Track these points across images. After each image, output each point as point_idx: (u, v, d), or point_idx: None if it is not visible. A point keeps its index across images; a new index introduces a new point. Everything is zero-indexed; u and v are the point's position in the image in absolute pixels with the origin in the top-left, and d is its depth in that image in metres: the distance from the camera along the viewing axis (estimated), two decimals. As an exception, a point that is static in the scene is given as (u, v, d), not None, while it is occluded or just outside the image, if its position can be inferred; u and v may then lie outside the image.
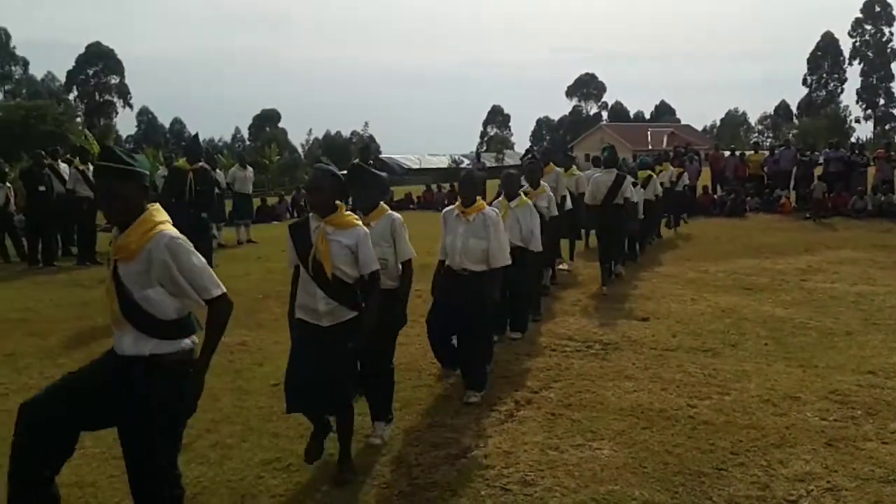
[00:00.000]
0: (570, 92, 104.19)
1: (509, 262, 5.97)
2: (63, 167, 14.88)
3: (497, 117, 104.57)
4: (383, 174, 5.32)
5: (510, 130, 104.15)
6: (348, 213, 4.45)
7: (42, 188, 13.76)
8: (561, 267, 11.23)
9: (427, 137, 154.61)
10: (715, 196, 21.16)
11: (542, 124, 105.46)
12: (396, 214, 5.12)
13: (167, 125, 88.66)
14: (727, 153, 24.02)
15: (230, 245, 16.22)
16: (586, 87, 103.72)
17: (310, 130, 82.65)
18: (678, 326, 8.01)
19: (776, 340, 7.42)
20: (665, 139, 63.37)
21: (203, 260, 3.40)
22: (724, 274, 11.09)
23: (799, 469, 4.56)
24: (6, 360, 7.26)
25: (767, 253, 13.14)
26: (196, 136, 11.01)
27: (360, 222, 4.44)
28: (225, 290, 3.44)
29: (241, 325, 8.49)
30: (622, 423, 5.32)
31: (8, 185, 15.33)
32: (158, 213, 3.41)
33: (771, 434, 5.10)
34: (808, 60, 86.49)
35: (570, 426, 5.31)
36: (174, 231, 3.35)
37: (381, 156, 62.16)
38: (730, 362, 6.73)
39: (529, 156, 12.19)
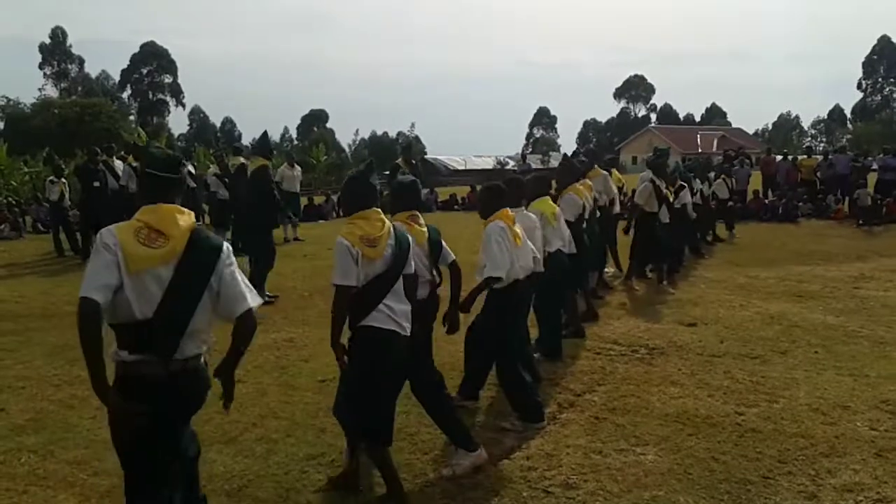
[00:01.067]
0: (619, 94, 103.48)
1: (486, 276, 5.30)
2: (117, 164, 15.23)
3: (543, 119, 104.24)
4: (401, 180, 5.03)
5: (556, 132, 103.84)
6: (356, 219, 4.17)
7: (97, 184, 14.10)
8: (606, 270, 11.20)
9: (473, 139, 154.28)
10: (766, 201, 20.80)
11: (590, 126, 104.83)
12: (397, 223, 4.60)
13: (218, 124, 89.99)
14: (779, 158, 23.60)
15: (277, 243, 16.40)
16: (635, 88, 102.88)
17: (356, 131, 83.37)
18: (726, 332, 7.90)
19: (827, 348, 7.28)
20: (715, 142, 62.60)
21: (92, 261, 3.06)
22: (775, 280, 10.91)
23: (847, 479, 4.48)
24: (59, 351, 7.46)
25: (819, 259, 12.88)
26: (265, 133, 11.09)
27: (348, 231, 4.09)
28: (93, 297, 3.02)
29: (289, 321, 8.64)
30: (667, 429, 5.27)
31: (63, 180, 15.73)
32: (141, 213, 3.20)
33: (820, 443, 5.01)
34: (864, 64, 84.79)
35: (614, 430, 5.27)
36: (104, 230, 3.11)
37: (426, 156, 62.32)
38: (779, 370, 6.62)
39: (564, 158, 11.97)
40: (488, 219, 5.44)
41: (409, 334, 4.25)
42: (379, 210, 4.25)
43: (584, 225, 8.21)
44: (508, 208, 5.55)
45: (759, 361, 6.89)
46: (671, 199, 10.86)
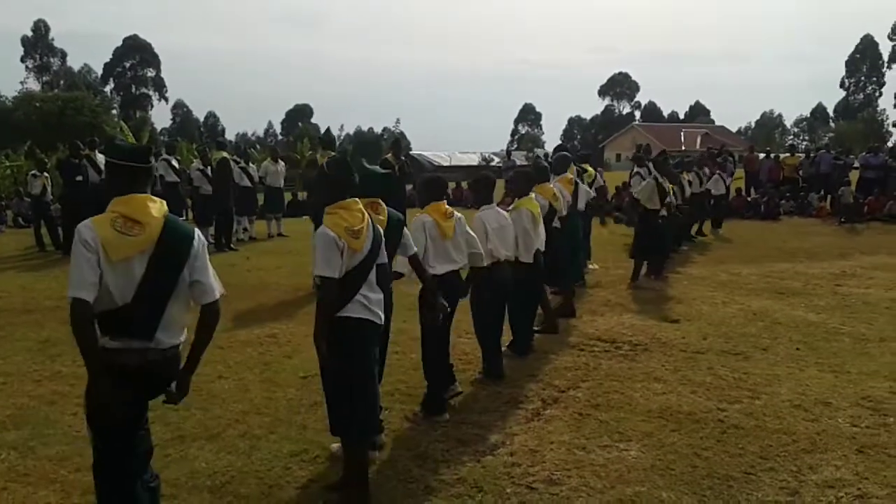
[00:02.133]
0: (603, 91, 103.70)
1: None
2: (100, 157, 15.06)
3: (529, 116, 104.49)
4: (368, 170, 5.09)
5: (541, 129, 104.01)
6: (337, 209, 4.15)
7: (79, 178, 13.97)
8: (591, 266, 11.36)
9: (458, 135, 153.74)
10: (749, 198, 20.92)
11: (574, 123, 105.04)
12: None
13: (201, 119, 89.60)
14: (762, 156, 23.73)
15: (261, 238, 16.36)
16: (619, 86, 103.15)
17: (341, 126, 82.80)
18: (709, 329, 7.94)
19: (808, 345, 7.33)
20: (699, 140, 62.81)
21: (74, 258, 3.11)
22: (757, 277, 10.97)
23: (829, 475, 4.51)
24: (41, 347, 7.40)
25: (801, 257, 12.97)
26: (328, 129, 10.87)
27: (333, 223, 4.08)
28: (83, 297, 3.07)
29: (272, 317, 8.59)
30: (650, 425, 5.30)
31: (45, 174, 15.60)
32: (114, 205, 3.28)
33: (801, 439, 5.05)
34: (847, 63, 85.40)
35: (598, 426, 5.29)
36: (81, 224, 3.18)
37: (411, 153, 62.22)
38: (761, 366, 6.66)
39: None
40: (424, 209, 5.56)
41: (382, 322, 4.28)
42: (358, 200, 4.24)
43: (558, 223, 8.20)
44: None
45: (742, 358, 6.93)
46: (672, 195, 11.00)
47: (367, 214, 4.23)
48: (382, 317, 4.29)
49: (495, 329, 6.41)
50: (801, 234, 16.47)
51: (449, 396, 5.65)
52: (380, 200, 4.89)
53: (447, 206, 5.59)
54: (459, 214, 5.69)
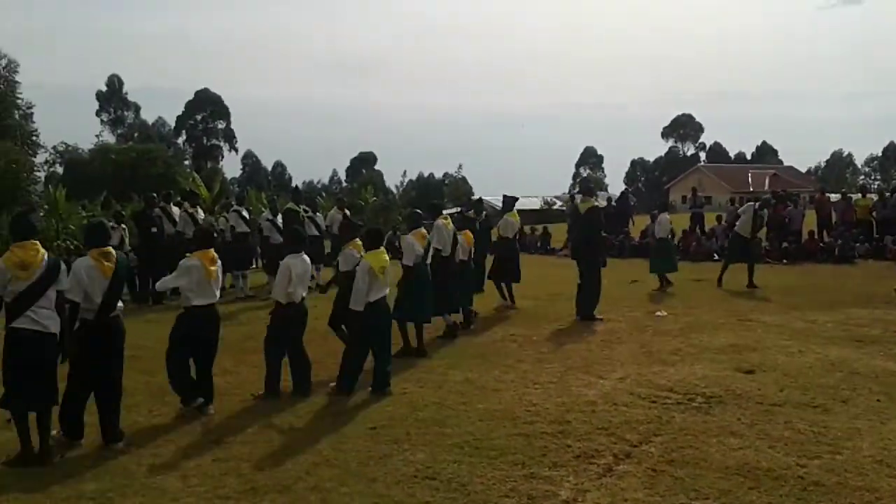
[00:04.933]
0: (667, 133, 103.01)
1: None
2: (174, 210, 15.58)
3: (590, 158, 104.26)
4: (91, 223, 6.87)
5: (604, 171, 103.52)
6: (15, 248, 5.83)
7: (154, 229, 14.42)
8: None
9: (520, 179, 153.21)
10: (822, 242, 20.39)
11: (637, 165, 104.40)
12: None
13: (269, 168, 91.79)
14: (834, 196, 23.16)
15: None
16: (683, 127, 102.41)
17: (404, 172, 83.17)
18: (785, 380, 7.71)
19: (889, 396, 7.08)
20: (767, 181, 61.81)
21: None
22: (834, 324, 10.64)
23: (919, 537, 4.33)
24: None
25: (878, 302, 12.53)
26: (586, 177, 12.32)
27: (6, 257, 5.74)
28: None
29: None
30: (727, 483, 5.15)
31: (122, 226, 16.14)
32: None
33: (885, 496, 4.88)
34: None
35: (673, 483, 5.17)
36: None
37: (472, 198, 62.56)
38: (841, 419, 6.44)
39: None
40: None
41: (52, 332, 5.80)
42: (37, 242, 5.83)
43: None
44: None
45: (821, 411, 6.71)
46: None
47: (42, 252, 5.78)
48: (52, 326, 5.81)
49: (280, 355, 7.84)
50: (877, 278, 15.92)
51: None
52: (109, 251, 6.25)
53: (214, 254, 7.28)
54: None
